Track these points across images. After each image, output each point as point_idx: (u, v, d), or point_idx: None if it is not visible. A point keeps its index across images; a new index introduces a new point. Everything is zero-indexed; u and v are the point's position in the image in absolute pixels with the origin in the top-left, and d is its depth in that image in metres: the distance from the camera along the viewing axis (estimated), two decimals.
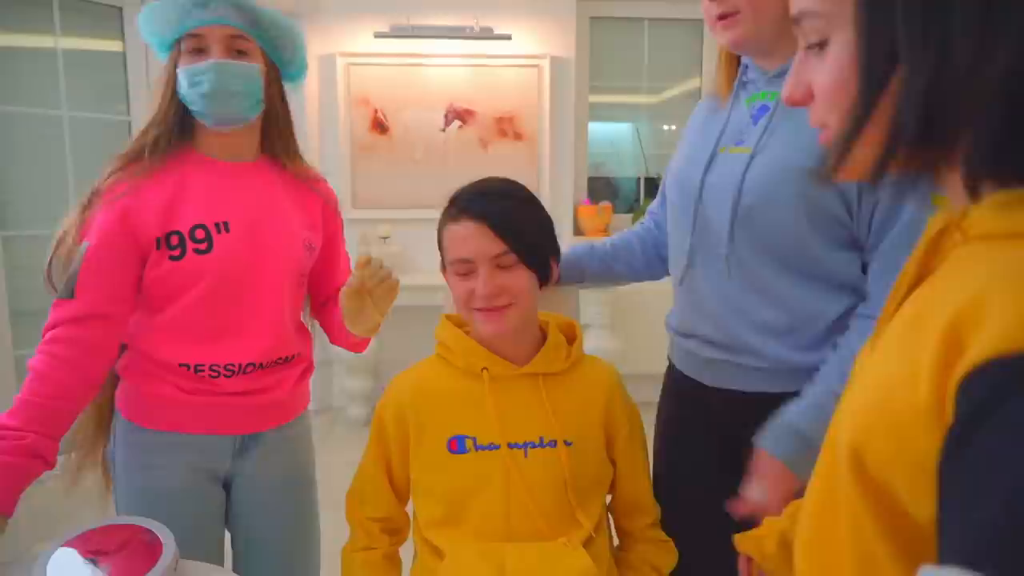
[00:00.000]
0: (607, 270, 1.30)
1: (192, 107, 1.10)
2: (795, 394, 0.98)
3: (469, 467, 1.02)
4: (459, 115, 3.51)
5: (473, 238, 1.01)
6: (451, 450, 1.03)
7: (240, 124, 1.13)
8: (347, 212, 3.46)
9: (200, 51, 1.09)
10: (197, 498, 1.15)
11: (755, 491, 0.97)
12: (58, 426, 1.00)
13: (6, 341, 2.28)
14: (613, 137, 3.90)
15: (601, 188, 3.91)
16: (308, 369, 1.27)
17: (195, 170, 1.12)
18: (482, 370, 1.04)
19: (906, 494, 0.42)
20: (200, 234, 1.09)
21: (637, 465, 1.11)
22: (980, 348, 0.37)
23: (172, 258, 1.08)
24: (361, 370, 3.42)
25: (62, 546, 0.87)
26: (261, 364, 1.15)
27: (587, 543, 1.02)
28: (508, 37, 3.42)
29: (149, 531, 0.92)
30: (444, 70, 3.47)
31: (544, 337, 1.09)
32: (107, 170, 1.10)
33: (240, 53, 1.11)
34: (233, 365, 1.12)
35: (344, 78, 3.40)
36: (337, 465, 2.20)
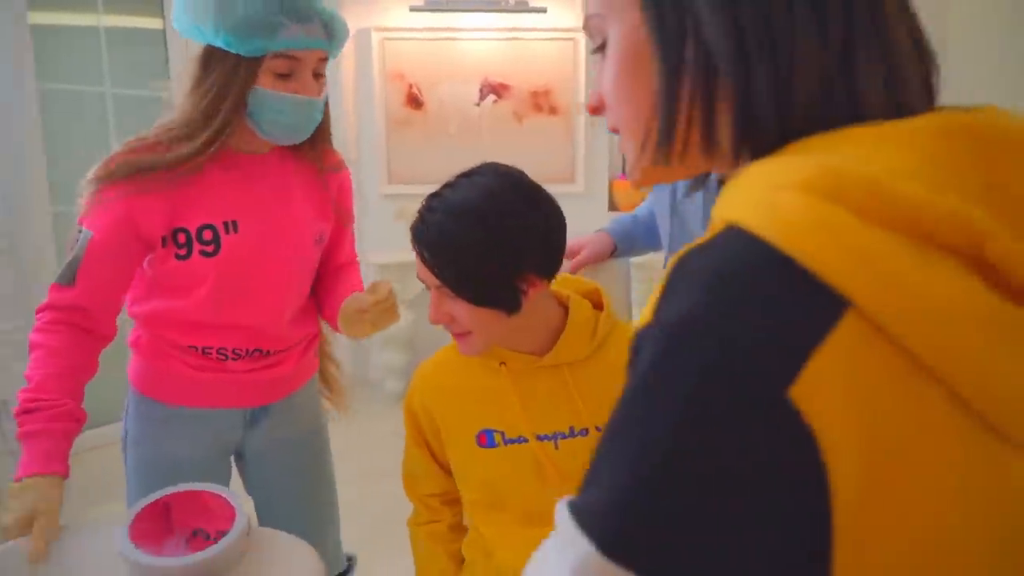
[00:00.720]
0: (653, 236, 1.29)
1: (260, 128, 1.05)
2: None
3: (501, 460, 0.99)
4: (494, 89, 3.49)
5: (418, 261, 0.91)
6: (480, 444, 1.00)
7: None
8: (382, 187, 3.49)
9: (288, 75, 1.02)
10: (205, 469, 1.16)
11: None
12: (80, 393, 1.03)
13: None
14: None
15: None
16: (314, 339, 1.29)
17: (211, 164, 1.06)
18: (500, 365, 0.98)
19: None
20: (208, 235, 1.06)
21: None
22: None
23: (178, 256, 1.06)
24: (397, 344, 3.45)
25: (136, 513, 0.91)
26: (268, 351, 1.18)
27: None
28: (543, 10, 3.38)
29: (219, 496, 0.96)
30: (479, 44, 3.44)
31: (565, 318, 0.97)
32: (123, 158, 1.02)
33: (317, 76, 1.06)
34: (240, 350, 1.15)
35: (379, 53, 3.40)
36: (379, 434, 2.24)
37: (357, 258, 1.34)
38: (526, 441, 0.97)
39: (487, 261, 0.86)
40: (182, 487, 0.98)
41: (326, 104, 1.13)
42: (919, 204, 0.32)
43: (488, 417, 0.99)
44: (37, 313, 1.04)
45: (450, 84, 3.47)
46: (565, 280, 1.01)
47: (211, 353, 1.13)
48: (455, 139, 3.51)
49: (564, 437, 0.97)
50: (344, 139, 3.38)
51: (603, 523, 0.35)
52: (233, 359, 1.15)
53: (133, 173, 1.01)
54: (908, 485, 0.32)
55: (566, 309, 0.98)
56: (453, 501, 1.11)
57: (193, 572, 0.83)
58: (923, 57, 0.42)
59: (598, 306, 1.01)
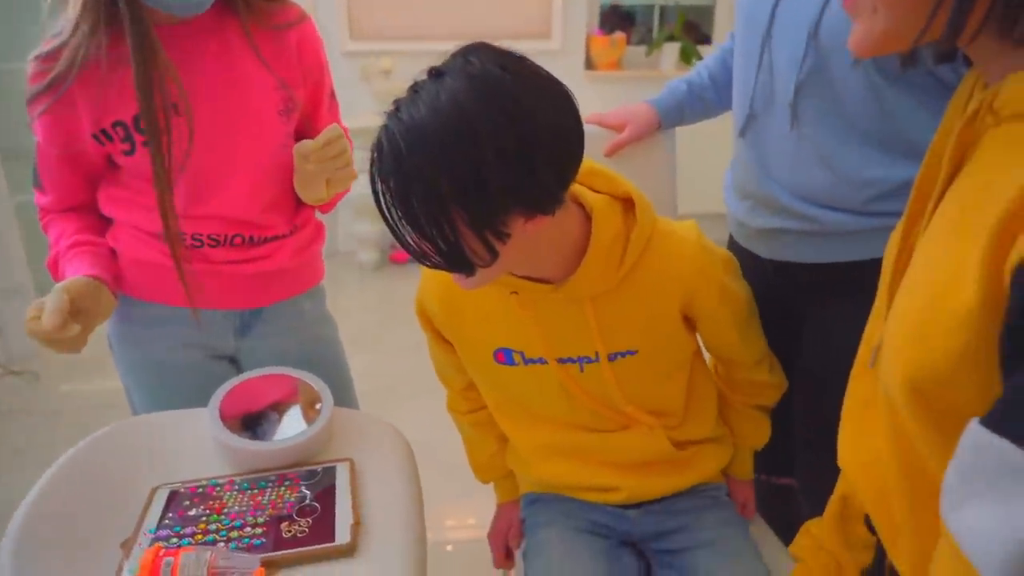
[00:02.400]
0: (705, 105, 1.18)
1: None
2: (853, 264, 0.91)
3: (524, 377, 0.91)
4: None
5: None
6: (498, 361, 0.91)
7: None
8: (344, 44, 3.25)
9: None
10: (199, 373, 1.08)
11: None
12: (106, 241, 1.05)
13: None
14: None
15: (613, 17, 3.63)
16: (316, 238, 1.16)
17: (127, 46, 0.90)
18: (511, 294, 0.86)
19: (966, 396, 0.43)
20: (143, 123, 0.92)
21: (720, 324, 0.91)
22: None
23: (124, 152, 0.94)
24: (369, 212, 3.35)
25: (220, 399, 0.89)
26: (251, 238, 1.05)
27: (679, 423, 0.95)
28: None
29: (302, 380, 0.95)
30: None
31: (589, 231, 0.80)
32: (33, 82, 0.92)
33: None
34: (217, 235, 1.03)
35: None
36: (354, 310, 2.18)
37: (346, 129, 1.16)
38: (546, 363, 0.89)
39: (447, 211, 0.68)
40: (255, 373, 0.96)
41: None
42: None
43: (503, 336, 0.90)
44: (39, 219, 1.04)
45: None
46: (593, 172, 0.83)
47: (184, 238, 1.01)
48: None
49: (590, 361, 0.88)
50: None
51: None
52: (211, 245, 1.02)
53: (47, 88, 0.92)
54: None
55: (590, 219, 0.80)
56: None
57: (290, 454, 0.84)
58: None
59: (630, 222, 0.83)
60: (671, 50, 3.49)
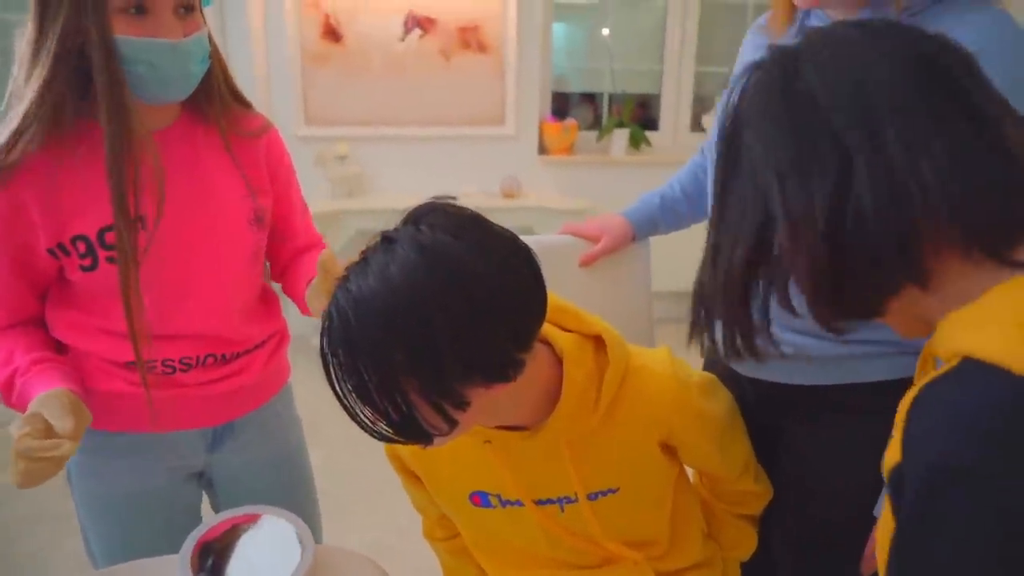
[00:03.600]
0: (677, 217, 1.20)
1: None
2: (833, 387, 0.91)
3: (500, 518, 0.88)
4: (419, 23, 3.26)
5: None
6: (474, 504, 0.88)
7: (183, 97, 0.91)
8: (299, 129, 3.25)
9: (140, 11, 0.82)
10: (165, 500, 1.03)
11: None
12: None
13: None
14: (575, 48, 3.72)
15: (564, 105, 3.75)
16: (283, 341, 1.12)
17: (93, 152, 0.84)
18: (485, 443, 0.83)
19: None
20: (110, 238, 0.86)
21: (701, 448, 0.89)
22: None
23: (83, 268, 0.88)
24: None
25: (194, 545, 0.82)
26: (223, 356, 1.01)
27: (664, 551, 0.93)
28: None
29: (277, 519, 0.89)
30: None
31: (560, 375, 0.78)
32: None
33: (187, 9, 0.85)
34: (189, 359, 0.98)
35: None
36: (308, 398, 2.07)
37: (321, 239, 1.15)
38: (523, 505, 0.86)
39: (398, 382, 0.65)
40: (226, 515, 0.88)
41: (215, 53, 0.93)
42: None
43: (479, 480, 0.87)
44: None
45: (371, 16, 3.22)
46: (561, 310, 0.82)
47: (155, 367, 0.95)
48: (377, 77, 3.28)
49: (570, 501, 0.85)
50: (253, 77, 3.09)
51: None
52: (183, 370, 0.97)
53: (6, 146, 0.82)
54: None
55: (561, 361, 0.78)
56: None
57: None
58: None
59: (601, 347, 0.82)
60: (621, 136, 3.61)
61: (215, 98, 0.96)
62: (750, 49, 1.05)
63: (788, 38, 0.94)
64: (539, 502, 0.85)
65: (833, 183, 0.46)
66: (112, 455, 0.99)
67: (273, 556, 0.82)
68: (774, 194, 0.48)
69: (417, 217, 0.70)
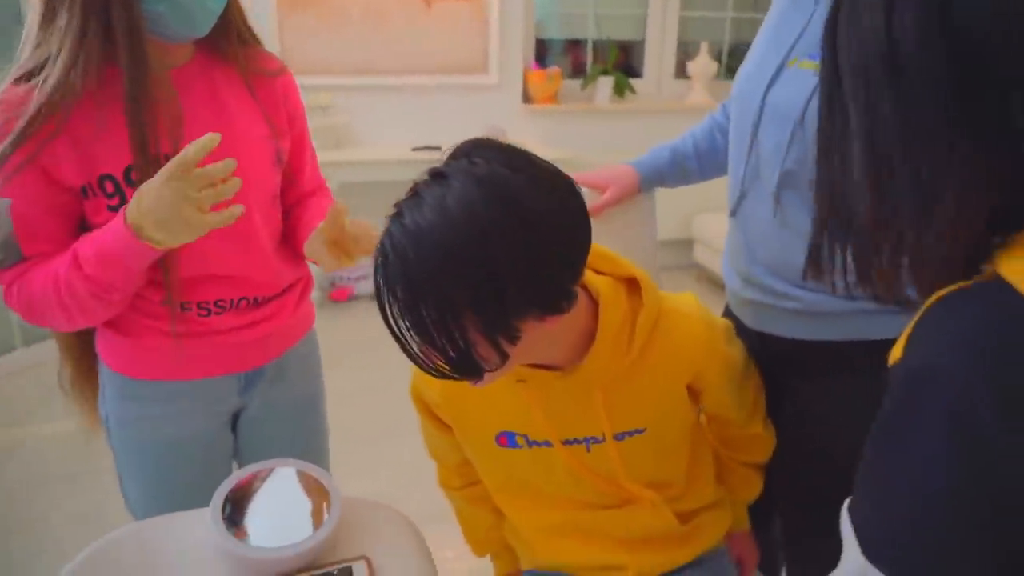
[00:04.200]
0: (684, 175, 1.20)
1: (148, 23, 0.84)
2: (835, 343, 0.93)
3: (529, 461, 0.90)
4: None
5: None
6: (500, 445, 0.90)
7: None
8: None
9: None
10: (203, 444, 1.05)
11: None
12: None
13: None
14: None
15: (546, 51, 3.69)
16: (307, 287, 1.14)
17: (115, 91, 0.85)
18: (518, 382, 0.84)
19: None
20: (135, 175, 0.87)
21: (722, 390, 0.92)
22: None
23: (111, 208, 0.88)
24: None
25: (224, 497, 0.84)
26: (256, 299, 1.02)
27: (681, 493, 0.96)
28: None
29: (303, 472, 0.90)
30: None
31: (596, 316, 0.80)
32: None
33: None
34: (224, 301, 0.99)
35: None
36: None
37: (325, 183, 1.16)
38: (551, 446, 0.88)
39: (460, 319, 0.66)
40: (252, 468, 0.89)
41: None
42: None
43: (506, 420, 0.89)
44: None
45: None
46: (596, 254, 0.81)
47: (191, 309, 0.96)
48: (357, 25, 3.20)
49: (597, 442, 0.88)
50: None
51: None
52: (217, 313, 0.98)
53: (22, 138, 0.82)
54: None
55: (596, 303, 0.80)
56: None
57: (304, 557, 0.79)
58: None
59: (636, 303, 0.82)
60: (605, 84, 3.57)
61: (232, 34, 0.96)
62: (775, 10, 1.00)
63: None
64: (566, 442, 0.88)
65: None
66: (150, 403, 1.01)
67: (300, 508, 0.84)
68: None
69: (468, 151, 0.70)
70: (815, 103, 0.83)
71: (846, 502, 0.46)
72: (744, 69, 1.00)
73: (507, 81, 3.44)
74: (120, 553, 0.82)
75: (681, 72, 3.74)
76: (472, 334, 0.68)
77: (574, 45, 3.78)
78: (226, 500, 0.83)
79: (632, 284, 0.84)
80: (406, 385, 0.95)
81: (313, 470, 0.89)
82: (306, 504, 0.84)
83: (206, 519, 0.81)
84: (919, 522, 0.41)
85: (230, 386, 1.06)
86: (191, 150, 0.78)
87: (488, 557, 1.11)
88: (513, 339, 0.70)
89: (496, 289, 0.66)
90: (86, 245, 0.86)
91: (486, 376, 0.73)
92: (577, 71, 3.74)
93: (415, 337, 0.69)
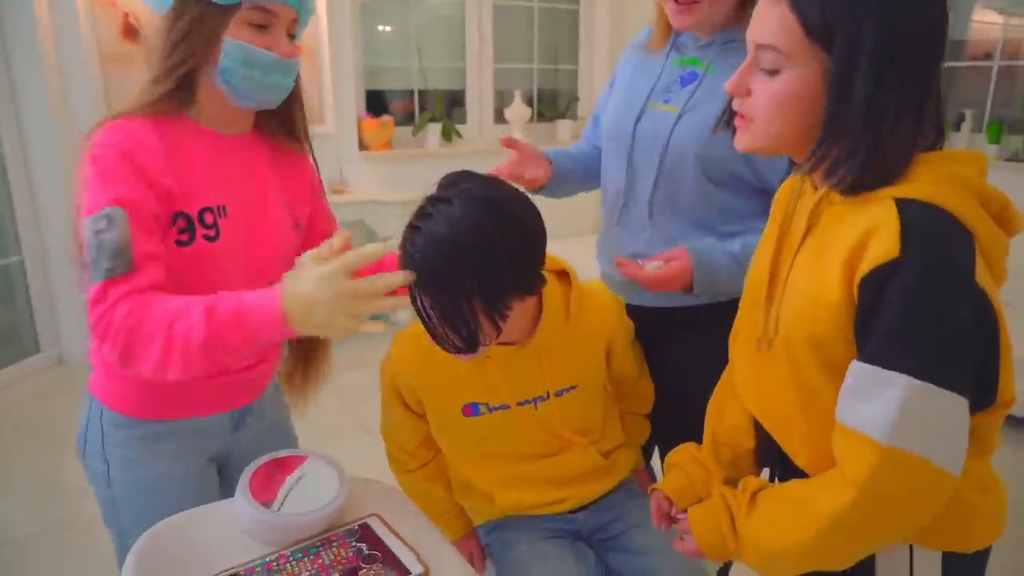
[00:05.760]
0: (578, 182, 1.42)
1: (233, 86, 0.98)
2: (686, 308, 1.24)
3: (489, 425, 1.12)
4: None
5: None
6: (465, 415, 1.12)
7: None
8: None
9: (262, 28, 0.97)
10: (197, 481, 1.11)
11: (655, 266, 1.16)
12: None
13: None
14: (385, 46, 3.90)
15: (376, 101, 3.92)
16: None
17: (194, 141, 0.99)
18: (485, 359, 1.07)
19: (839, 349, 0.77)
20: (209, 218, 0.98)
21: (624, 352, 1.20)
22: (868, 262, 0.71)
23: (180, 243, 0.96)
24: None
25: (248, 481, 0.95)
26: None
27: (600, 436, 1.21)
28: None
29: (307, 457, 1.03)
30: None
31: (540, 302, 1.06)
32: (113, 136, 0.93)
33: (291, 37, 1.02)
34: None
35: None
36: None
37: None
38: (508, 408, 1.11)
39: (471, 302, 0.91)
40: (266, 458, 1.01)
41: (298, 76, 1.08)
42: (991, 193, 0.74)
43: (472, 391, 1.11)
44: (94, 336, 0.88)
45: None
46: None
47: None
48: None
49: (543, 399, 1.12)
50: (47, 85, 2.88)
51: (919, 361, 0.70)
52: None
53: (127, 151, 0.92)
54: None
55: (540, 295, 1.06)
56: (435, 442, 1.22)
57: (327, 518, 0.94)
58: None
59: (565, 287, 1.10)
60: (434, 129, 3.87)
61: (291, 114, 1.12)
62: (627, 65, 1.33)
63: (663, 55, 1.26)
64: (520, 403, 1.12)
65: None
66: (155, 441, 1.05)
67: (314, 484, 0.98)
68: None
69: (455, 182, 0.96)
70: (675, 134, 1.17)
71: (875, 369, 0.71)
72: (611, 109, 1.31)
73: (343, 131, 3.61)
74: (166, 543, 0.91)
75: (500, 117, 4.14)
76: (479, 315, 0.93)
77: (406, 95, 4.04)
78: (250, 485, 0.95)
79: (562, 274, 1.12)
80: None
81: (320, 455, 1.04)
82: (318, 480, 0.99)
83: (235, 505, 0.93)
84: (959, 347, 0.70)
85: (224, 424, 1.12)
86: (354, 259, 0.84)
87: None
88: (504, 316, 0.95)
89: (497, 279, 0.92)
90: (227, 302, 0.87)
91: (480, 349, 0.97)
92: (408, 119, 4.00)
93: (438, 320, 0.92)
